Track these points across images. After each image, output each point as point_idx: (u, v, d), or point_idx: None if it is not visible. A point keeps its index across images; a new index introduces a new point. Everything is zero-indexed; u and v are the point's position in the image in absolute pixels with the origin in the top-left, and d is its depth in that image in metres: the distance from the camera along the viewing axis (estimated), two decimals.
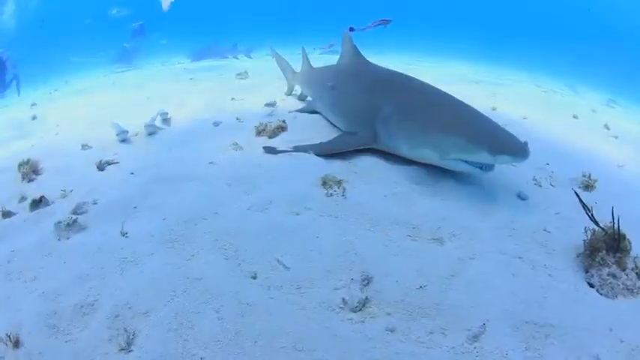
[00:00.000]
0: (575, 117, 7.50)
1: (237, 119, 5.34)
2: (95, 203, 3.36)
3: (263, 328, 2.04)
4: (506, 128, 5.34)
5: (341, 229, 2.90)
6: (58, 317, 2.23)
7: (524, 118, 6.52)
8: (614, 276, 2.59)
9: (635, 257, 2.66)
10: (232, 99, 6.44)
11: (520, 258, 2.77)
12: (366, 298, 2.29)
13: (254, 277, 2.42)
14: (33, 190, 3.75)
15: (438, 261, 2.65)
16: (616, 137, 6.63)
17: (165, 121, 5.47)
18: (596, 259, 2.67)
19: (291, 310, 2.18)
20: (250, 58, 14.98)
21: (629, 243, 2.69)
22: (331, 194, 3.32)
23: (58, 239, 2.95)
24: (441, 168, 3.66)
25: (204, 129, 5.11)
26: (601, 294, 2.54)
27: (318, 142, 4.31)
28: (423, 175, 3.74)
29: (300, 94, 6.51)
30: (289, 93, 6.96)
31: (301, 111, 5.60)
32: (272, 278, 2.41)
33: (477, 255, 2.75)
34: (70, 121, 6.37)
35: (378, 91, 4.32)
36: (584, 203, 2.91)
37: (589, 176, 4.01)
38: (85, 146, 4.77)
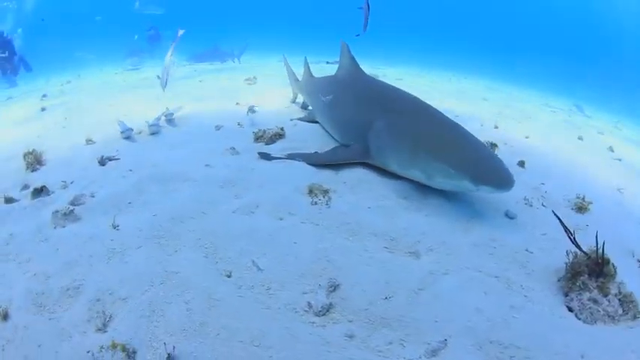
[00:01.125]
0: (580, 138, 7.53)
1: (239, 124, 5.62)
2: (92, 196, 3.66)
3: (227, 323, 2.25)
4: (505, 146, 5.53)
5: (319, 236, 3.08)
6: (46, 297, 2.50)
7: (526, 137, 6.59)
8: (594, 301, 2.58)
9: (619, 283, 2.64)
10: (237, 104, 6.74)
11: (496, 277, 2.82)
12: (330, 304, 2.43)
13: (229, 276, 2.64)
14: (35, 180, 4.06)
15: (409, 274, 2.74)
16: (620, 160, 6.64)
17: (170, 121, 5.78)
18: (577, 283, 2.66)
19: (256, 309, 2.38)
20: (239, 62, 15.08)
21: (614, 268, 2.67)
22: (315, 202, 3.52)
23: (55, 227, 3.24)
24: None
25: (206, 132, 5.41)
26: (579, 319, 2.53)
27: (313, 151, 4.51)
28: (412, 191, 3.83)
29: (303, 102, 6.78)
30: (293, 101, 7.24)
31: (302, 120, 5.84)
32: (245, 278, 2.62)
33: (451, 271, 2.83)
34: (77, 115, 6.73)
35: (372, 106, 4.47)
36: (564, 225, 2.91)
37: (583, 198, 4.04)
38: (89, 141, 5.10)
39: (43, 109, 7.49)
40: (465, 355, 2.16)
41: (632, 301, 2.60)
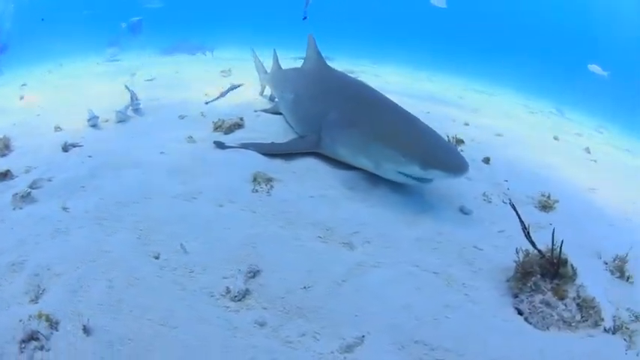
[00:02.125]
0: (555, 138, 7.64)
1: (202, 114, 5.87)
2: (50, 180, 3.93)
3: (141, 301, 2.43)
4: (472, 142, 5.64)
5: (253, 223, 3.27)
6: None
7: (499, 135, 6.67)
8: (547, 304, 2.43)
9: (579, 286, 2.50)
10: (206, 94, 6.97)
11: (435, 273, 2.78)
12: (247, 290, 2.54)
13: (156, 257, 2.86)
14: (2, 165, 4.32)
15: (336, 264, 2.76)
16: (595, 161, 6.68)
17: (137, 110, 6.08)
18: (528, 284, 2.52)
19: (172, 290, 2.55)
20: (212, 55, 15.34)
21: (574, 269, 2.54)
22: (257, 190, 3.75)
23: (13, 209, 3.52)
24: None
25: (169, 121, 5.68)
26: (530, 323, 2.41)
27: (270, 141, 4.70)
28: (361, 181, 3.91)
29: (271, 94, 6.99)
30: (261, 93, 7.46)
31: (266, 111, 6.07)
32: (170, 260, 2.81)
33: (384, 264, 2.82)
34: (52, 104, 7.02)
35: (328, 97, 4.66)
36: (521, 219, 2.77)
37: (548, 196, 4.02)
38: (57, 128, 5.40)
39: (21, 98, 7.76)
40: (383, 354, 2.15)
41: (593, 307, 2.45)
